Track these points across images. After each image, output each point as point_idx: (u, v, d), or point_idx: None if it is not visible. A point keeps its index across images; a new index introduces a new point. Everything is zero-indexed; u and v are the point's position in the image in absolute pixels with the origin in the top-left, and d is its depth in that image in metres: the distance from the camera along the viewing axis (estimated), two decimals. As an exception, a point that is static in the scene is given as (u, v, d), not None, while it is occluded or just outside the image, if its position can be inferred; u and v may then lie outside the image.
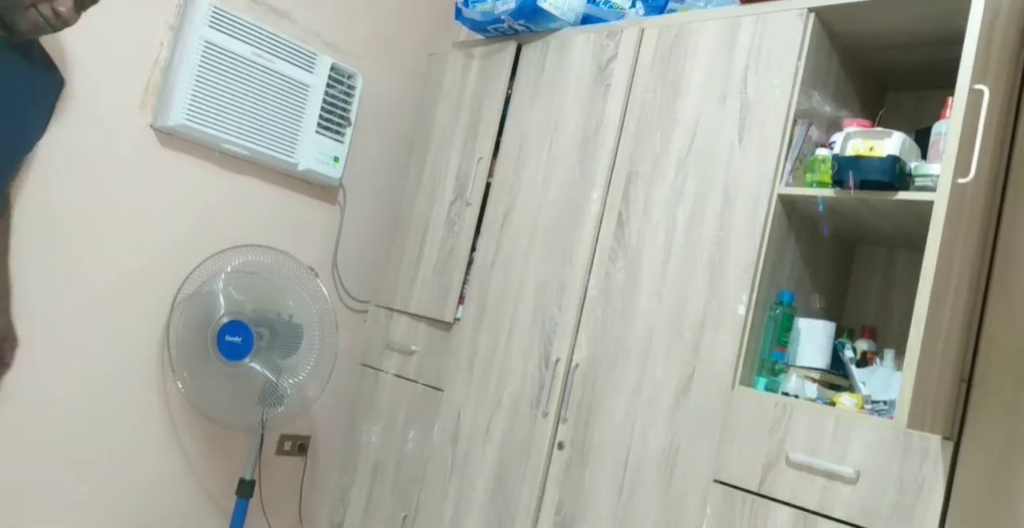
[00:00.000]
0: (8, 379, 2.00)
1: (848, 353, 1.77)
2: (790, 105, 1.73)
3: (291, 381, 2.29)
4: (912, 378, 1.08)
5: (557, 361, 1.97)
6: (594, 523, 1.80)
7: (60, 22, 1.64)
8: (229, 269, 2.28)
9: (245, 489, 2.29)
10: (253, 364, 2.22)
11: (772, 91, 1.75)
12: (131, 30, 2.14)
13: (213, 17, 2.25)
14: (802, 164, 1.76)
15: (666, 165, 1.89)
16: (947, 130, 1.26)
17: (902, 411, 1.07)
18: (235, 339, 2.21)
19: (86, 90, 2.07)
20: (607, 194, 1.98)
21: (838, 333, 1.84)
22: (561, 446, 1.91)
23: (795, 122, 1.74)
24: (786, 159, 1.73)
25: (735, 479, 1.60)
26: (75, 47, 2.04)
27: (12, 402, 2.03)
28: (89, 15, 2.00)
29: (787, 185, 1.72)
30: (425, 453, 2.21)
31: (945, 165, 1.18)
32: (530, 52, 2.26)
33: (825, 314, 1.92)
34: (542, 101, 2.19)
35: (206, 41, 2.24)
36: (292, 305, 2.34)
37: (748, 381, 1.68)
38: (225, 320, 2.21)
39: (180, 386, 2.29)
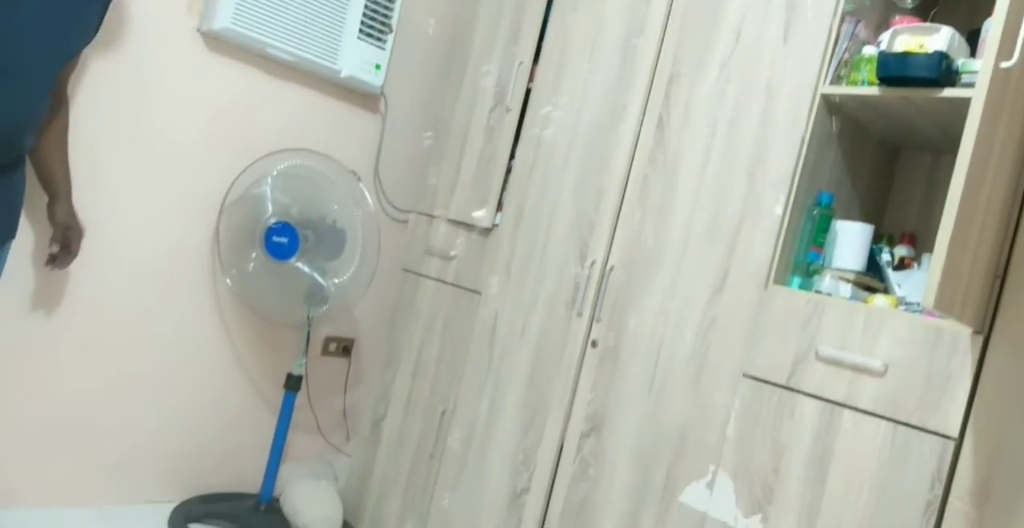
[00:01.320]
0: (65, 275, 2.11)
1: (885, 257, 1.76)
2: (838, 2, 1.68)
3: (335, 282, 2.37)
4: (943, 257, 1.08)
5: (593, 263, 2.00)
6: (624, 417, 1.86)
7: None
8: (275, 172, 2.34)
9: (293, 383, 2.40)
10: (299, 264, 2.29)
11: (821, -13, 1.70)
12: None
13: None
14: (848, 64, 1.72)
15: (709, 65, 1.87)
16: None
17: (930, 291, 1.08)
18: (282, 239, 2.28)
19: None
20: (648, 96, 1.97)
21: (877, 239, 1.83)
22: (595, 344, 1.96)
23: (843, 20, 1.69)
24: (831, 58, 1.70)
25: (764, 373, 1.63)
26: None
27: (72, 297, 2.14)
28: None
29: (831, 84, 1.69)
30: (463, 353, 2.28)
31: (988, 47, 1.15)
32: (574, -47, 2.22)
33: (864, 214, 1.91)
34: (585, 4, 2.16)
35: None
36: (336, 209, 2.40)
37: (782, 281, 1.70)
38: (272, 221, 2.28)
39: (229, 282, 2.39)
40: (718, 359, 1.72)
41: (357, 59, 2.54)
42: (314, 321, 2.39)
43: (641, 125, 1.97)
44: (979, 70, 1.22)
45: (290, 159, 2.42)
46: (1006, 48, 1.18)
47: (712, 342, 1.74)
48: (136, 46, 2.13)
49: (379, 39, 2.57)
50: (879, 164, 1.95)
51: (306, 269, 2.31)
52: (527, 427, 2.06)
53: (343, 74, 2.51)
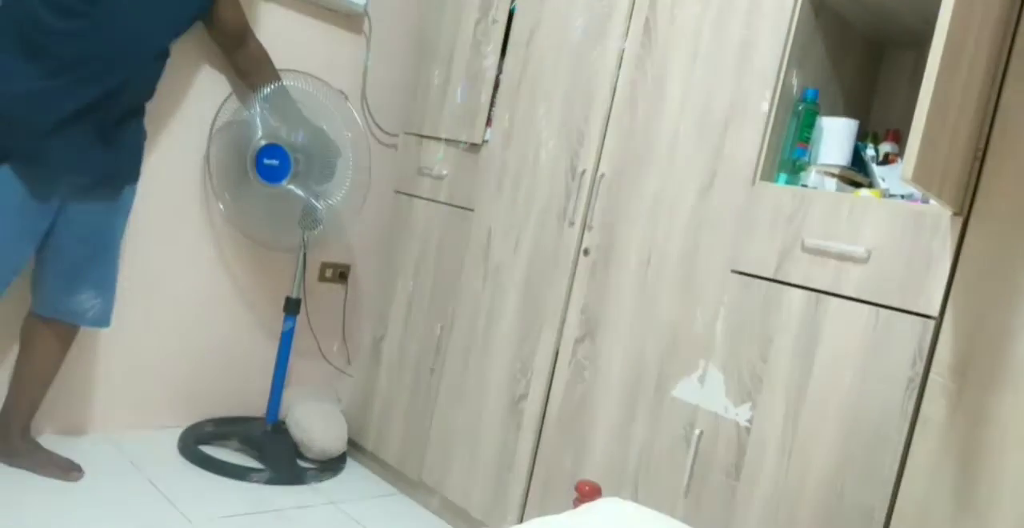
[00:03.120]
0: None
1: (870, 152, 1.78)
2: None
3: (328, 203, 2.39)
4: (921, 129, 1.10)
5: (583, 172, 2.02)
6: (617, 319, 1.90)
7: None
8: (263, 94, 2.32)
9: (292, 306, 2.44)
10: (291, 186, 2.31)
11: None
12: None
13: None
14: (832, -44, 1.71)
15: (693, -34, 1.85)
16: None
17: (908, 163, 1.10)
18: (273, 162, 2.28)
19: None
20: (633, 1, 1.96)
21: (862, 136, 1.84)
22: (587, 252, 1.99)
23: (827, -89, 1.67)
24: (816, -49, 1.68)
25: (751, 268, 1.66)
26: None
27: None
28: None
29: (815, -22, 1.68)
30: (458, 270, 2.31)
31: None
32: None
33: (850, 112, 1.92)
34: (567, -91, 2.12)
35: None
36: (327, 130, 2.39)
37: (769, 177, 1.72)
38: (263, 143, 2.28)
39: (222, 207, 2.40)
40: (707, 258, 1.75)
41: (337, -20, 2.50)
42: (309, 244, 2.42)
43: (628, 30, 1.96)
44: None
45: (285, 79, 2.40)
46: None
47: (701, 241, 1.77)
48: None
49: (358, -43, 2.53)
50: (864, 62, 1.94)
51: (298, 191, 2.33)
52: (523, 337, 2.11)
53: (325, -5, 2.48)
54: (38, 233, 1.90)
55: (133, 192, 2.10)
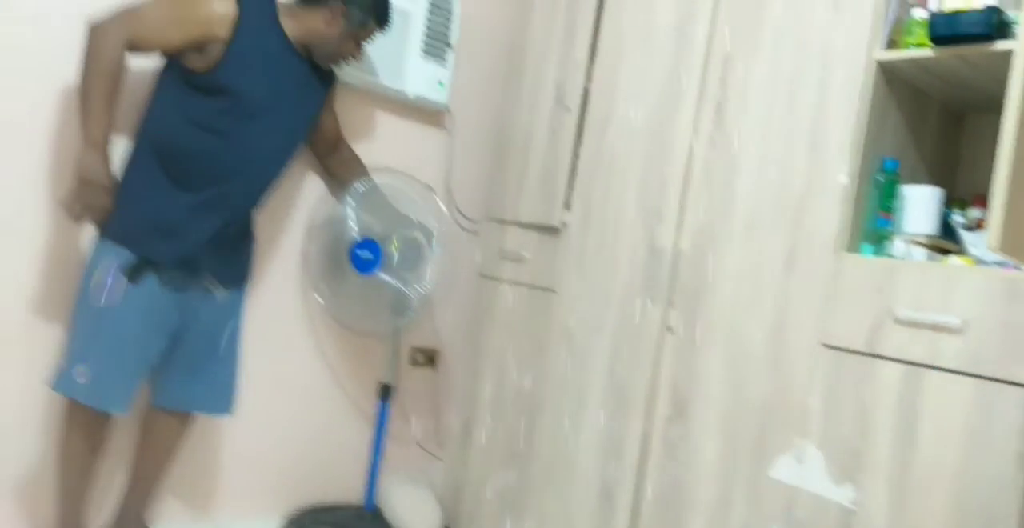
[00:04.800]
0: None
1: (958, 219, 1.74)
2: (883, -32, 1.69)
3: (417, 290, 2.46)
4: (1002, 195, 1.08)
5: (663, 250, 2.03)
6: (707, 398, 1.87)
7: (354, 61, 2.27)
8: (355, 193, 2.45)
9: (386, 392, 2.50)
10: (383, 276, 2.39)
11: (864, -44, 1.71)
12: None
13: None
14: (900, 28, 1.72)
15: (762, 42, 1.89)
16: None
17: (992, 233, 1.08)
18: (366, 254, 2.37)
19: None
20: (704, 80, 2.00)
21: (949, 203, 1.81)
22: (672, 330, 1.98)
23: (891, -15, 1.70)
24: (882, 23, 1.70)
25: (842, 341, 1.63)
26: None
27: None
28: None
29: (884, 49, 1.70)
30: (544, 352, 2.33)
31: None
32: (618, -47, 2.28)
33: (933, 179, 1.89)
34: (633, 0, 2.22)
35: None
36: (414, 222, 2.49)
37: (853, 249, 1.70)
38: (357, 237, 2.38)
39: (320, 299, 2.51)
40: (796, 332, 1.73)
41: (421, 78, 2.64)
42: (401, 331, 2.49)
43: (699, 109, 2.00)
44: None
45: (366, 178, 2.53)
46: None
47: (788, 316, 1.75)
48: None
49: (440, 57, 2.67)
50: (944, 128, 1.92)
51: (390, 280, 2.41)
52: (612, 418, 2.10)
53: (409, 94, 2.62)
54: (170, 332, 2.04)
55: (245, 291, 2.26)
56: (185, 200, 1.99)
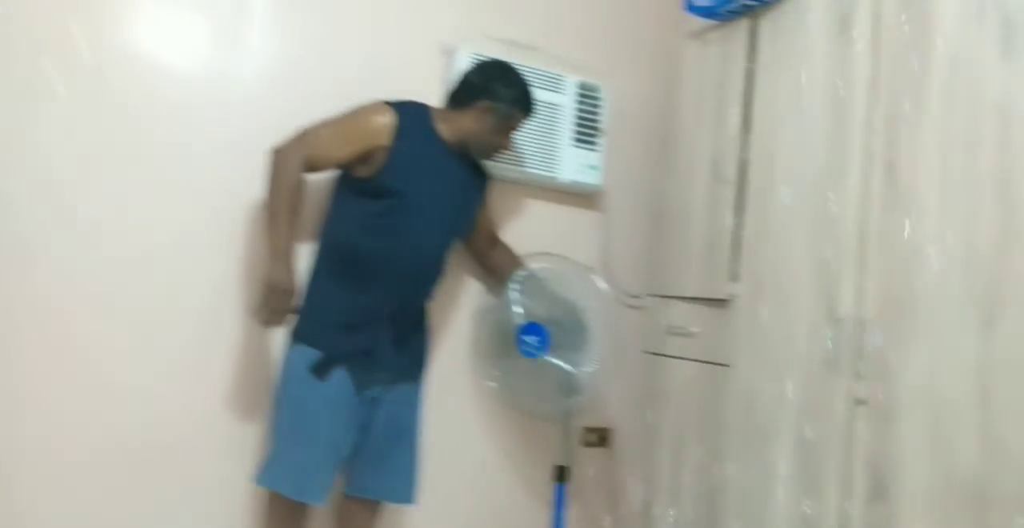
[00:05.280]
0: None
1: None
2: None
3: (585, 371, 2.46)
4: None
5: (843, 319, 1.94)
6: (911, 477, 1.73)
7: (506, 151, 2.43)
8: (517, 279, 2.51)
9: (562, 474, 2.49)
10: (550, 358, 2.42)
11: (1034, -1, 1.64)
12: (414, 92, 2.37)
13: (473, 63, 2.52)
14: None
15: (928, 100, 1.82)
16: None
17: None
18: (532, 338, 2.42)
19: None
20: (869, 143, 1.94)
21: None
22: (863, 402, 1.87)
23: (1068, 26, 1.61)
24: (1065, 66, 1.61)
25: (1064, 407, 1.48)
26: None
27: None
28: (390, 83, 2.41)
29: (1070, 93, 1.59)
30: (722, 429, 2.25)
31: None
32: (766, 24, 2.28)
33: None
34: (786, 68, 2.20)
35: None
36: (576, 303, 2.52)
37: (1062, 305, 1.56)
38: (522, 322, 2.44)
39: (493, 384, 2.56)
40: (1006, 398, 1.58)
41: (574, 164, 2.72)
42: (573, 411, 2.49)
43: (867, 171, 1.94)
44: None
45: (527, 264, 2.59)
46: None
47: (996, 383, 1.61)
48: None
49: (591, 142, 2.74)
50: None
51: (558, 363, 2.43)
52: (805, 499, 1.98)
53: (563, 180, 2.70)
54: (358, 424, 2.16)
55: (423, 382, 2.36)
56: (364, 298, 2.13)
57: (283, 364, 2.15)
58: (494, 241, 2.56)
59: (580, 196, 2.81)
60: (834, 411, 1.93)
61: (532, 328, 2.42)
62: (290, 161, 2.06)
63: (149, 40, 2.20)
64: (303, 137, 2.09)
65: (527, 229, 2.70)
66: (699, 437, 2.35)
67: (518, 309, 2.46)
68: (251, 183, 2.18)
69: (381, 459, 2.21)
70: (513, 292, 2.48)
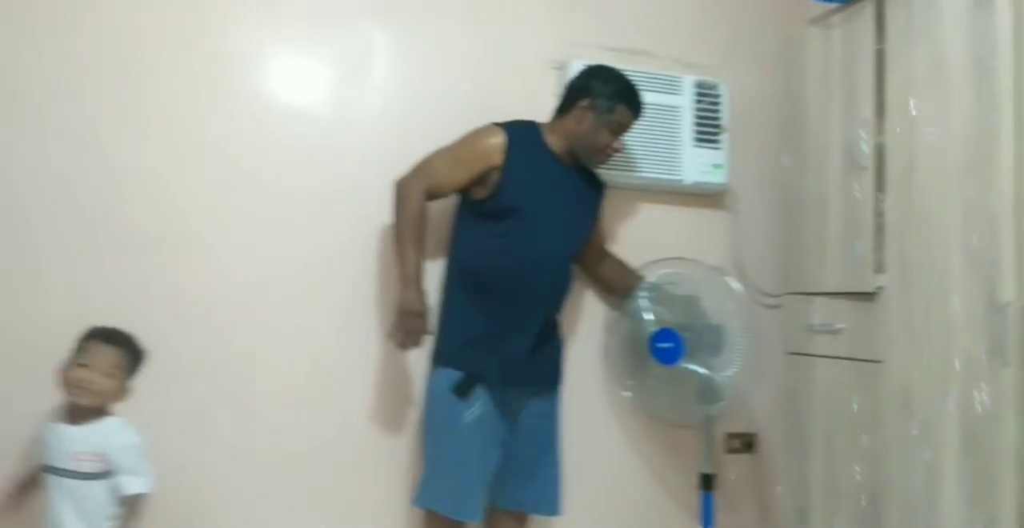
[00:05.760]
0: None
1: None
2: None
3: (725, 375, 2.39)
4: None
5: (1007, 305, 1.80)
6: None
7: (617, 154, 2.33)
8: (646, 286, 2.47)
9: (707, 482, 2.41)
10: (687, 365, 2.35)
11: None
12: (533, 108, 2.40)
13: None
14: None
15: (1085, 62, 1.68)
16: None
17: None
18: (666, 345, 2.36)
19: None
20: (1021, 111, 1.80)
21: None
22: (1034, 394, 1.72)
23: None
24: None
25: None
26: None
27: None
28: (506, 103, 2.43)
29: None
30: (878, 429, 2.13)
31: None
32: (892, 3, 2.17)
33: None
34: (919, 44, 2.08)
35: None
36: (710, 306, 2.45)
37: None
38: (654, 329, 2.39)
39: (628, 394, 2.52)
40: None
41: (697, 165, 2.65)
42: (713, 418, 2.42)
43: (1020, 147, 1.80)
44: None
45: (657, 270, 2.54)
46: None
47: None
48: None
49: (714, 141, 2.67)
50: None
51: (695, 368, 2.37)
52: (976, 498, 1.83)
53: (687, 182, 2.63)
54: (502, 439, 2.18)
55: (560, 393, 2.36)
56: (497, 316, 2.17)
57: (427, 389, 2.21)
58: (604, 255, 2.52)
59: (706, 197, 2.75)
60: (1003, 406, 1.79)
61: (665, 334, 2.36)
62: (412, 192, 2.13)
63: (277, 84, 2.32)
64: (421, 168, 2.16)
65: (654, 236, 2.65)
66: (853, 439, 2.22)
67: (649, 316, 2.41)
68: (379, 211, 2.25)
69: (526, 472, 2.22)
70: (642, 300, 2.44)
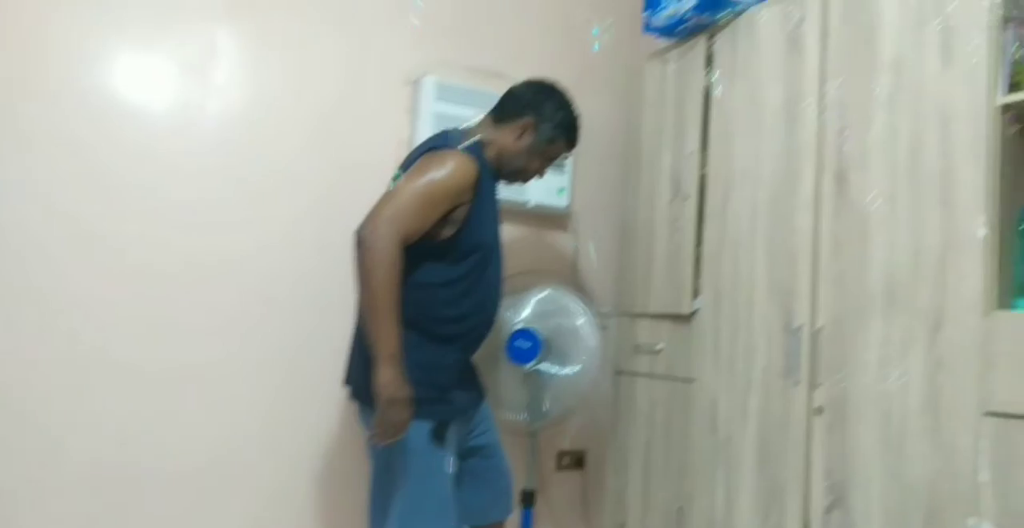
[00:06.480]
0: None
1: None
2: (992, 13, 1.62)
3: (559, 390, 2.43)
4: None
5: (799, 328, 1.93)
6: (867, 482, 1.71)
7: (538, 178, 2.19)
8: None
9: (527, 499, 2.44)
10: (537, 367, 2.37)
11: (970, 4, 1.66)
12: (382, 122, 2.48)
13: (439, 92, 2.55)
14: (1020, 70, 1.63)
15: (874, 109, 1.83)
16: None
17: None
18: (525, 344, 2.37)
19: (365, 174, 2.41)
20: (820, 153, 1.95)
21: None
22: (820, 411, 1.85)
23: (1003, 28, 1.63)
24: (1000, 68, 1.62)
25: (1007, 407, 1.46)
26: (353, 142, 2.48)
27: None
28: (357, 115, 2.45)
29: (1006, 94, 1.60)
30: (688, 444, 2.23)
31: None
32: (720, 41, 2.32)
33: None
34: (740, 84, 2.23)
35: (436, 113, 2.52)
36: (563, 321, 2.49)
37: (1005, 304, 1.55)
38: (519, 326, 2.40)
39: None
40: (953, 402, 1.57)
41: (542, 188, 2.73)
42: (539, 432, 2.46)
43: (819, 182, 1.95)
44: None
45: (525, 281, 2.58)
46: None
47: (943, 385, 1.59)
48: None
49: (559, 166, 2.76)
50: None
51: (547, 369, 2.39)
52: (767, 510, 1.95)
53: (531, 204, 2.72)
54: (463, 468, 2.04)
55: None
56: (464, 353, 2.00)
57: (399, 445, 1.86)
58: None
59: (550, 219, 2.83)
60: (793, 422, 1.91)
61: (526, 334, 2.37)
62: (389, 249, 1.74)
63: (117, 79, 2.22)
64: (392, 214, 1.78)
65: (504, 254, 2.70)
66: (666, 455, 2.32)
67: (517, 314, 2.41)
68: (222, 216, 2.21)
69: (490, 481, 2.12)
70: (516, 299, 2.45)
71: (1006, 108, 1.60)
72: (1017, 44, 1.63)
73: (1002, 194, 1.58)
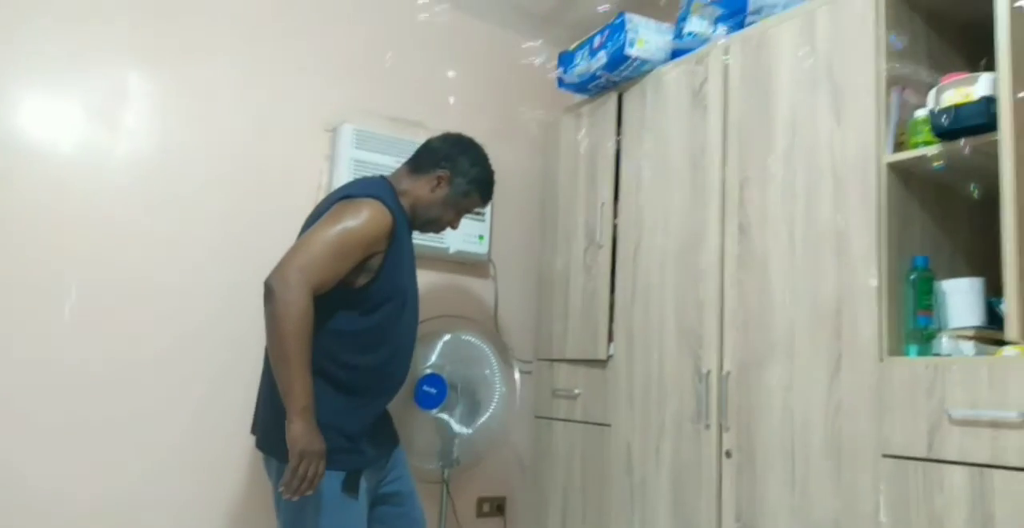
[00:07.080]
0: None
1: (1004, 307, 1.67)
2: (879, 77, 1.74)
3: (467, 437, 2.42)
4: (1015, 284, 1.05)
5: (708, 373, 1.99)
6: (775, 522, 1.76)
7: (451, 229, 2.17)
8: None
9: (440, 549, 2.42)
10: (442, 415, 2.37)
11: (858, 68, 1.77)
12: (300, 167, 2.48)
13: (357, 139, 2.56)
14: (905, 130, 1.75)
15: (773, 165, 1.93)
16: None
17: (1011, 324, 1.04)
18: (431, 389, 2.37)
19: (281, 219, 2.34)
20: (723, 206, 2.04)
21: (996, 292, 1.74)
22: (729, 454, 1.90)
23: (888, 91, 1.74)
24: (887, 128, 1.73)
25: (902, 449, 1.54)
26: (269, 187, 2.46)
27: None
28: (273, 160, 2.44)
29: (893, 152, 1.71)
30: (604, 488, 2.25)
31: (1001, 82, 1.17)
32: (630, 97, 2.41)
33: (972, 273, 1.83)
34: (648, 139, 2.32)
35: (355, 160, 2.54)
36: (475, 369, 2.50)
37: (897, 351, 1.64)
38: (428, 372, 2.40)
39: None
40: (853, 444, 1.64)
41: (461, 235, 2.76)
42: (450, 480, 2.44)
43: (724, 233, 2.03)
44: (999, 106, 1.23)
45: (442, 326, 2.58)
46: (1020, 78, 1.20)
47: (842, 427, 1.66)
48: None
49: (478, 214, 2.80)
50: (976, 218, 1.89)
51: (448, 420, 2.39)
52: (682, 556, 1.97)
53: (451, 250, 2.74)
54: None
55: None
56: (378, 402, 1.95)
57: (311, 498, 1.77)
58: None
59: (470, 265, 2.85)
60: (704, 465, 1.96)
61: (433, 379, 2.37)
62: (298, 300, 1.69)
63: (23, 120, 2.15)
64: (302, 264, 1.73)
65: (425, 300, 2.69)
66: (583, 498, 2.33)
67: (423, 361, 2.41)
68: (130, 259, 2.17)
69: (403, 518, 2.04)
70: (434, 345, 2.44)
71: (891, 166, 1.71)
72: (901, 107, 1.75)
73: (891, 246, 1.68)
